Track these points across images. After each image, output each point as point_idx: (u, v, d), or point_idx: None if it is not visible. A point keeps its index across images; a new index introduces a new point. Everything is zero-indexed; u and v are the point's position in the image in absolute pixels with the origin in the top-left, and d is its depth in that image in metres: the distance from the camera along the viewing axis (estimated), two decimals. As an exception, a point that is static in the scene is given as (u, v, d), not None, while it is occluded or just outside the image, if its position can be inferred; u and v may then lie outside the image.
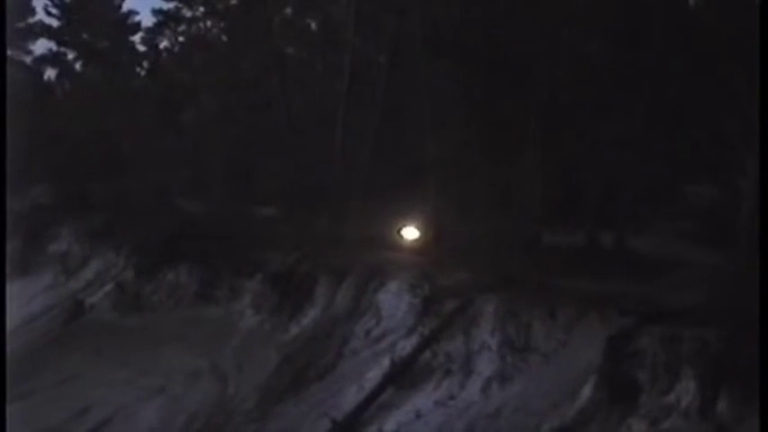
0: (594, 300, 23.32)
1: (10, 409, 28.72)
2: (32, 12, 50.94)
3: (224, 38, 46.77)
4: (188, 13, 47.21)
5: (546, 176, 28.17)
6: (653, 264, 25.14)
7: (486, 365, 23.32)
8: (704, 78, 24.90)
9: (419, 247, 30.28)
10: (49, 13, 49.48)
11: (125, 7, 50.11)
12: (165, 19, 48.23)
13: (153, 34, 49.31)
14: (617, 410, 19.71)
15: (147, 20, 49.76)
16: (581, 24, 28.93)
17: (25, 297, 37.83)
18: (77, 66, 51.20)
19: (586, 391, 20.46)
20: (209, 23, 46.90)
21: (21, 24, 50.39)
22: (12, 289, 38.56)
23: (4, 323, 24.99)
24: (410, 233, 30.47)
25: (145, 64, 50.11)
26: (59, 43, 50.24)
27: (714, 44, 24.41)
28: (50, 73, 51.77)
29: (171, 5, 47.25)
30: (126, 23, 49.88)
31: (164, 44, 49.76)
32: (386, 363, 25.26)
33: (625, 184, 27.53)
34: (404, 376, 24.47)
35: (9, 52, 50.44)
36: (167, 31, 49.03)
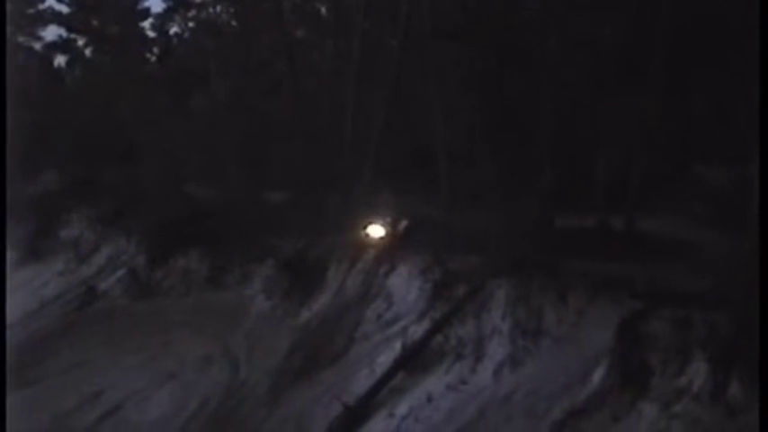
0: (606, 283, 23.29)
1: (23, 394, 28.94)
2: (42, -2, 50.97)
3: (234, 23, 46.72)
4: (197, -1, 47.28)
5: (556, 160, 28.10)
6: (664, 247, 25.07)
7: (497, 349, 23.32)
8: (715, 60, 24.80)
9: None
10: (59, 0, 49.56)
11: (135, -7, 50.12)
12: (175, 4, 48.21)
13: (163, 20, 49.27)
14: (628, 394, 19.71)
15: (156, 5, 50.13)
16: (591, 6, 28.81)
17: (37, 283, 37.99)
18: (87, 52, 51.23)
19: (598, 375, 20.47)
20: (218, 8, 46.81)
21: (31, 11, 50.40)
22: (24, 275, 38.78)
23: (4, 323, 25.05)
24: (375, 231, 30.35)
25: (155, 50, 50.12)
26: (69, 29, 50.22)
27: (725, 26, 24.31)
28: (60, 59, 51.87)
29: (180, -9, 47.32)
30: (136, 9, 49.79)
31: (174, 30, 49.78)
32: (397, 347, 25.31)
33: (636, 166, 27.43)
34: (415, 360, 24.51)
35: (19, 38, 50.60)
36: (177, 17, 49.02)
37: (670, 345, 20.03)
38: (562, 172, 27.89)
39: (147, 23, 49.89)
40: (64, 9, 49.74)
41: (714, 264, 21.24)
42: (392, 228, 30.19)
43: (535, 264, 24.94)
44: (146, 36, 50.15)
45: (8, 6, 47.94)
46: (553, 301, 23.51)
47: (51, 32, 51.20)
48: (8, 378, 29.69)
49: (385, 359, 25.17)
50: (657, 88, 26.42)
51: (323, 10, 43.75)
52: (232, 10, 46.36)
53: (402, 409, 23.03)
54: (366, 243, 30.05)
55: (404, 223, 30.30)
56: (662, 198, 26.77)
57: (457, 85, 30.87)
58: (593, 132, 27.96)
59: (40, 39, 51.36)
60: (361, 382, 24.74)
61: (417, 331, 25.61)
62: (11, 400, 28.31)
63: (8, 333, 33.57)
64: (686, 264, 22.77)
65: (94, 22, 49.52)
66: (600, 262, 24.36)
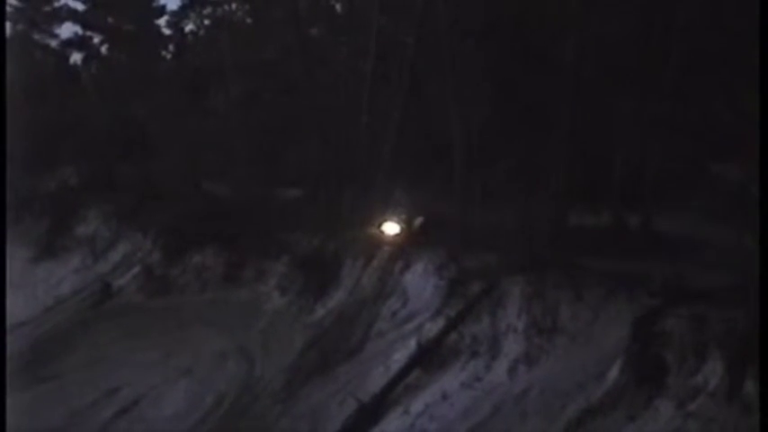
0: (622, 281, 23.26)
1: (39, 390, 29.06)
2: (59, -5, 51.11)
3: (249, 20, 46.77)
4: (213, -3, 47.37)
5: (572, 157, 28.06)
6: (680, 244, 25.02)
7: (512, 347, 23.32)
8: (732, 58, 24.70)
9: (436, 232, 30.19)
10: (74, -3, 49.75)
11: (151, -9, 50.25)
12: (191, 2, 48.36)
13: (178, 17, 49.42)
14: (644, 392, 19.68)
15: (172, 3, 50.08)
16: (609, 3, 28.73)
17: (54, 279, 38.13)
18: (103, 49, 51.36)
19: (613, 373, 20.44)
20: (233, 6, 46.91)
21: (47, 8, 50.59)
22: (40, 271, 38.93)
23: (4, 323, 25.13)
24: (391, 228, 30.33)
25: (170, 47, 50.24)
26: (85, 27, 50.36)
27: (741, 24, 24.21)
28: (76, 57, 51.98)
29: (196, -11, 47.43)
30: (151, 7, 49.98)
31: (189, 27, 49.93)
32: (412, 344, 25.33)
33: (652, 164, 27.38)
34: (430, 358, 24.53)
35: (35, 36, 50.77)
36: (192, 15, 49.14)
37: (686, 343, 19.97)
38: (578, 170, 27.82)
39: (162, 21, 50.15)
40: (80, 6, 50.05)
41: (730, 262, 21.17)
42: (407, 225, 30.20)
43: (551, 261, 24.91)
44: (161, 33, 50.37)
45: (25, 4, 48.30)
46: (569, 298, 23.48)
47: (67, 30, 51.41)
48: (24, 374, 29.89)
49: (400, 356, 25.19)
50: (674, 86, 26.36)
51: (338, 7, 43.77)
52: (247, 7, 46.46)
53: (417, 406, 23.05)
54: (381, 240, 30.06)
55: (419, 220, 30.29)
56: (678, 196, 26.70)
57: (473, 81, 30.80)
58: (610, 130, 27.89)
59: (55, 36, 51.60)
60: (376, 380, 24.76)
61: (432, 329, 25.62)
62: (27, 395, 28.53)
63: (24, 329, 33.84)
64: (702, 262, 22.72)
65: (110, 20, 49.67)
66: (616, 260, 24.31)
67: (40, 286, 38.02)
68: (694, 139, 27.03)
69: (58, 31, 51.46)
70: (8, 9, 49.27)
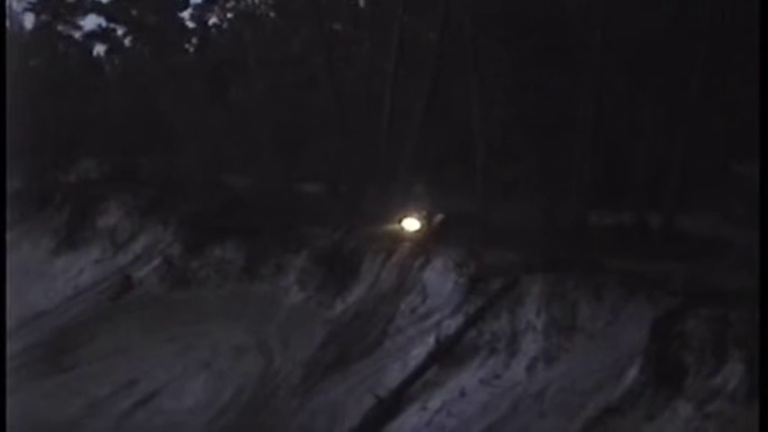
0: (641, 280, 23.15)
1: (58, 380, 29.18)
2: (83, -13, 51.23)
3: (272, 14, 46.82)
4: (237, -10, 47.42)
5: (594, 156, 28.00)
6: (701, 244, 24.92)
7: (531, 345, 23.27)
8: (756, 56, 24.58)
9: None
10: (99, -10, 49.82)
11: (174, -17, 50.28)
12: (214, -5, 48.44)
13: (202, 10, 49.47)
14: (663, 392, 19.59)
15: (196, -4, 49.90)
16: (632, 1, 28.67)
17: (74, 271, 38.23)
18: (127, 42, 51.44)
19: (632, 373, 20.36)
20: (257, 0, 46.96)
21: (71, 0, 50.66)
22: (61, 262, 39.06)
23: (5, 323, 25.24)
24: (411, 224, 30.30)
25: (193, 40, 50.29)
26: (109, 19, 50.42)
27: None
28: (100, 49, 52.09)
29: (220, -18, 47.50)
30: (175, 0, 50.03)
31: (212, 21, 49.95)
32: (431, 341, 25.30)
33: (675, 163, 27.29)
34: (449, 354, 24.51)
35: (59, 27, 50.91)
36: (216, 8, 49.19)
37: (706, 344, 19.87)
38: (600, 168, 27.77)
39: (186, 14, 50.15)
40: (104, -2, 50.07)
41: (752, 263, 21.06)
42: (428, 221, 30.17)
43: (571, 260, 24.85)
44: (184, 26, 50.35)
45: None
46: (588, 297, 23.40)
47: (91, 22, 51.41)
48: (43, 364, 30.02)
49: (419, 353, 25.18)
50: (699, 85, 26.26)
51: (361, 2, 43.81)
52: (270, 1, 46.51)
53: (435, 402, 23.05)
54: (401, 236, 30.05)
55: (439, 217, 30.25)
56: (700, 196, 26.62)
57: (496, 78, 30.78)
58: (633, 129, 27.83)
59: (79, 28, 51.61)
60: (395, 376, 24.76)
61: (451, 325, 25.59)
62: (46, 385, 28.66)
63: (44, 319, 33.96)
64: (724, 262, 22.62)
65: (134, 12, 49.73)
66: (636, 259, 24.22)
67: (61, 277, 38.13)
68: (718, 139, 26.96)
69: (81, 22, 51.53)
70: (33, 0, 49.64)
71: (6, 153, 28.65)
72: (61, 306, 35.59)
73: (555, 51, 28.63)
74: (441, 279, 27.64)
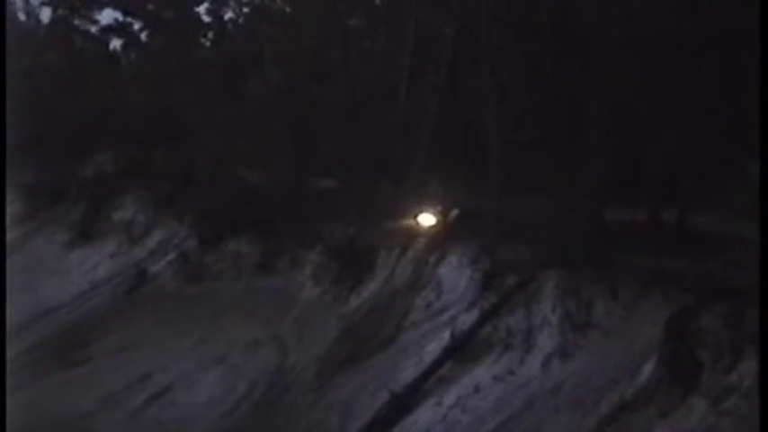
0: (657, 277, 23.10)
1: (72, 374, 29.28)
2: (99, -19, 51.29)
3: (288, 9, 46.79)
4: (253, -15, 47.44)
5: (609, 152, 27.91)
6: (716, 241, 24.82)
7: (546, 341, 23.24)
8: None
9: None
10: (115, -17, 49.85)
11: (191, -22, 50.27)
12: (231, -10, 48.44)
13: (218, 5, 49.43)
14: (678, 389, 19.51)
15: (212, -9, 49.86)
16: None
17: (89, 264, 38.39)
18: (143, 36, 51.47)
19: (647, 369, 20.30)
20: (273, -5, 47.00)
21: (87, -6, 50.79)
22: (76, 256, 39.21)
23: (5, 322, 25.33)
24: (426, 219, 30.28)
25: (209, 35, 50.27)
26: (125, 13, 50.47)
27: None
28: (116, 43, 52.13)
29: (237, -23, 47.51)
30: (191, -6, 50.06)
31: (228, 15, 49.91)
32: (446, 336, 25.30)
33: (689, 160, 27.19)
34: (463, 350, 24.50)
35: (75, 21, 51.02)
36: (232, 3, 49.19)
37: (721, 341, 19.80)
38: (615, 164, 27.68)
39: (202, 8, 50.07)
40: (120, -8, 50.07)
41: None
42: (443, 216, 30.17)
43: (586, 256, 24.81)
44: (201, 21, 50.29)
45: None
46: (603, 294, 23.36)
47: (107, 16, 51.49)
48: (58, 358, 30.13)
49: (433, 348, 25.18)
50: (713, 81, 26.15)
51: (376, -2, 43.79)
52: (286, -4, 46.50)
53: (449, 398, 23.03)
54: (416, 231, 30.06)
55: (454, 212, 30.26)
56: (715, 193, 26.52)
57: (510, 73, 30.73)
58: (647, 126, 27.72)
59: (95, 22, 51.66)
60: (409, 371, 24.77)
61: (466, 321, 25.60)
62: (60, 379, 28.77)
63: (59, 313, 34.10)
64: (738, 259, 22.52)
65: (150, 7, 49.76)
66: (651, 256, 24.15)
67: (76, 271, 38.29)
68: (733, 136, 26.84)
69: (98, 16, 51.62)
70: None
71: (6, 153, 28.67)
72: (76, 300, 35.72)
73: (569, 46, 28.54)
74: (456, 274, 27.64)
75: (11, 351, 30.57)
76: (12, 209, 44.52)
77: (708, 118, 26.41)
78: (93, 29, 51.95)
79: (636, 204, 27.90)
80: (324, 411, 24.92)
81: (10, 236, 42.26)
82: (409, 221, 30.36)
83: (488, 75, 30.46)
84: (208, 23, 50.21)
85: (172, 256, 36.64)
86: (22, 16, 54.79)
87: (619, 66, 27.61)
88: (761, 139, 19.21)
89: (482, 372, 23.44)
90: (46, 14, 51.86)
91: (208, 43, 50.21)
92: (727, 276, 21.98)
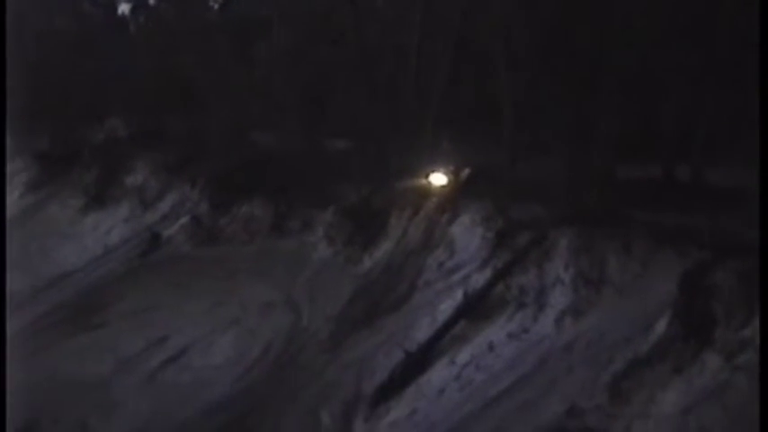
0: (671, 234, 23.04)
1: (88, 337, 29.48)
2: (107, -54, 51.19)
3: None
4: (261, -54, 47.08)
5: (622, 109, 27.77)
6: (730, 197, 24.70)
7: (559, 299, 23.24)
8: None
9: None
10: (124, -53, 49.76)
11: (199, -60, 50.02)
12: (240, -49, 48.17)
13: (227, -32, 49.25)
14: (691, 345, 19.50)
15: (221, -47, 49.61)
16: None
17: (103, 229, 38.51)
18: (151, 0, 51.35)
19: (661, 326, 20.27)
20: (282, -44, 46.68)
21: (96, -41, 50.68)
22: (89, 220, 39.35)
23: (5, 322, 25.48)
24: (438, 179, 30.19)
25: (218, -3, 50.09)
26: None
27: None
28: (125, 7, 52.07)
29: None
30: (200, -43, 49.81)
31: (237, -22, 49.69)
32: (459, 295, 25.31)
33: (703, 116, 27.05)
34: (477, 309, 24.51)
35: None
36: (241, -35, 48.96)
37: (735, 296, 19.77)
38: (628, 121, 27.54)
39: (210, -29, 49.88)
40: (128, -43, 49.97)
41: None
42: (455, 176, 30.09)
43: (599, 213, 24.75)
44: (210, -16, 50.15)
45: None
46: (617, 251, 23.32)
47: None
48: (73, 322, 30.29)
49: (446, 307, 25.20)
50: (726, 36, 25.96)
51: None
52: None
53: (463, 356, 23.08)
54: (429, 191, 29.99)
55: (466, 171, 30.15)
56: (729, 148, 26.37)
57: (522, 33, 30.53)
58: (661, 82, 27.56)
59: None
60: (423, 330, 24.81)
61: (479, 279, 25.60)
62: (75, 343, 28.95)
63: (73, 278, 34.27)
64: (753, 215, 22.43)
65: (158, -30, 49.67)
66: (665, 212, 24.08)
67: (90, 235, 38.41)
68: (747, 91, 26.65)
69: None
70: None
71: (6, 153, 28.69)
72: (91, 264, 35.84)
73: (582, 4, 28.34)
74: (468, 234, 27.61)
75: (28, 315, 30.93)
76: (26, 176, 44.72)
77: (721, 73, 26.25)
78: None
79: (649, 161, 27.78)
80: (338, 371, 25.00)
81: (26, 202, 42.52)
82: (422, 181, 30.29)
83: (500, 34, 30.30)
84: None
85: (185, 219, 36.66)
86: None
87: (631, 22, 27.43)
88: (761, 138, 19.14)
89: (496, 330, 23.46)
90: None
91: (216, 6, 50.02)
92: (741, 231, 21.88)
